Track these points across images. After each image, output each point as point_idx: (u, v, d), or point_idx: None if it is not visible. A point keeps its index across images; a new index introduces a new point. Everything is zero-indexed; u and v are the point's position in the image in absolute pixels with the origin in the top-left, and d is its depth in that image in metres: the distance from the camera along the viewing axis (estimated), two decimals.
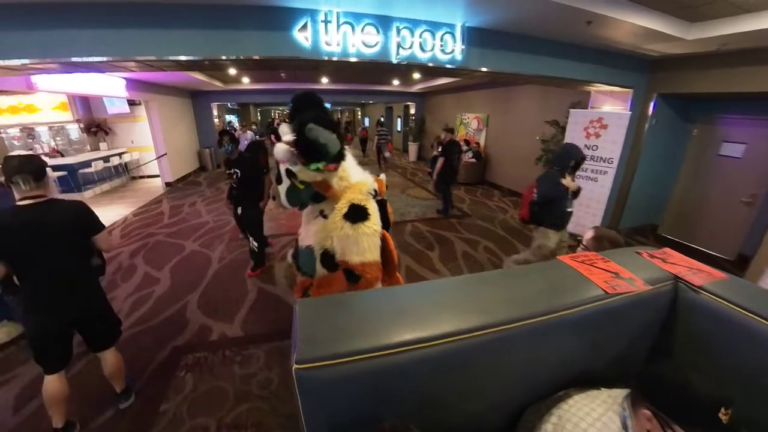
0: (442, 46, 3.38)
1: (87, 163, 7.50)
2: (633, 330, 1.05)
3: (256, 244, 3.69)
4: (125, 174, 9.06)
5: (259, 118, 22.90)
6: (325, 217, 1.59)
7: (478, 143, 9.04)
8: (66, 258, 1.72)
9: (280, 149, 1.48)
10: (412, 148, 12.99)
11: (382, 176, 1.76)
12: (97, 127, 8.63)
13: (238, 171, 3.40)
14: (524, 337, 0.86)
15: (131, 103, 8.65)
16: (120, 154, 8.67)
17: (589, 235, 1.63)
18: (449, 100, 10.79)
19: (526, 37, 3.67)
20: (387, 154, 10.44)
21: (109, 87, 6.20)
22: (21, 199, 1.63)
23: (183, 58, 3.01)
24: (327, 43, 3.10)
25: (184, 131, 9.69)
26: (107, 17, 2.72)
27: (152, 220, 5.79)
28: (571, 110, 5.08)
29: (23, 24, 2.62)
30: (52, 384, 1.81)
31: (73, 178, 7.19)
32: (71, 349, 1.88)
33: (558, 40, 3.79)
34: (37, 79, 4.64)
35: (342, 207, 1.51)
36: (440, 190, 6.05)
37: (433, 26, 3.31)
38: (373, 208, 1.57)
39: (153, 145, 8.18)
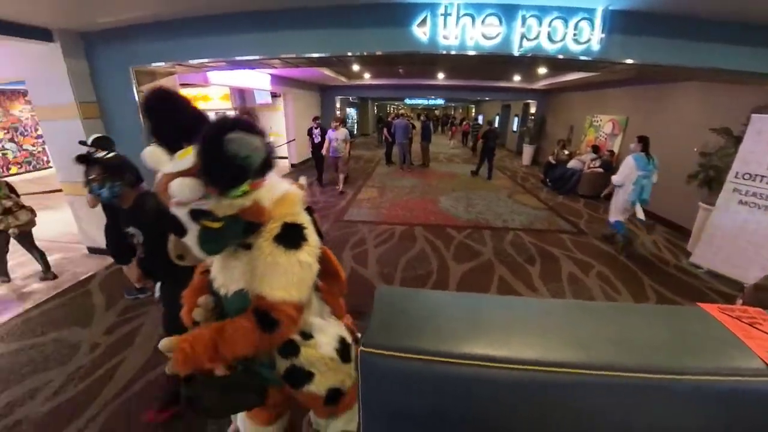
0: (575, 34, 2.97)
1: None
2: None
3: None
4: None
5: (376, 112, 24.31)
6: (248, 247, 1.13)
7: (611, 151, 7.64)
8: None
9: (181, 186, 0.93)
10: (527, 150, 11.95)
11: (303, 179, 1.41)
12: (248, 114, 10.51)
13: (137, 231, 1.79)
14: (628, 392, 0.68)
15: (273, 95, 10.21)
16: None
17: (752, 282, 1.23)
18: (577, 99, 9.54)
19: (691, 19, 2.92)
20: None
21: (258, 81, 7.51)
22: None
23: (315, 55, 3.40)
24: (444, 37, 3.06)
25: (310, 122, 11.09)
26: (254, 25, 3.25)
27: None
28: (754, 115, 3.88)
29: (202, 31, 3.33)
30: None
31: None
32: None
33: (738, 21, 2.90)
34: (211, 75, 5.90)
35: (273, 228, 1.10)
36: (481, 159, 9.33)
37: (567, 12, 2.93)
38: (308, 224, 1.19)
39: (285, 131, 9.53)
